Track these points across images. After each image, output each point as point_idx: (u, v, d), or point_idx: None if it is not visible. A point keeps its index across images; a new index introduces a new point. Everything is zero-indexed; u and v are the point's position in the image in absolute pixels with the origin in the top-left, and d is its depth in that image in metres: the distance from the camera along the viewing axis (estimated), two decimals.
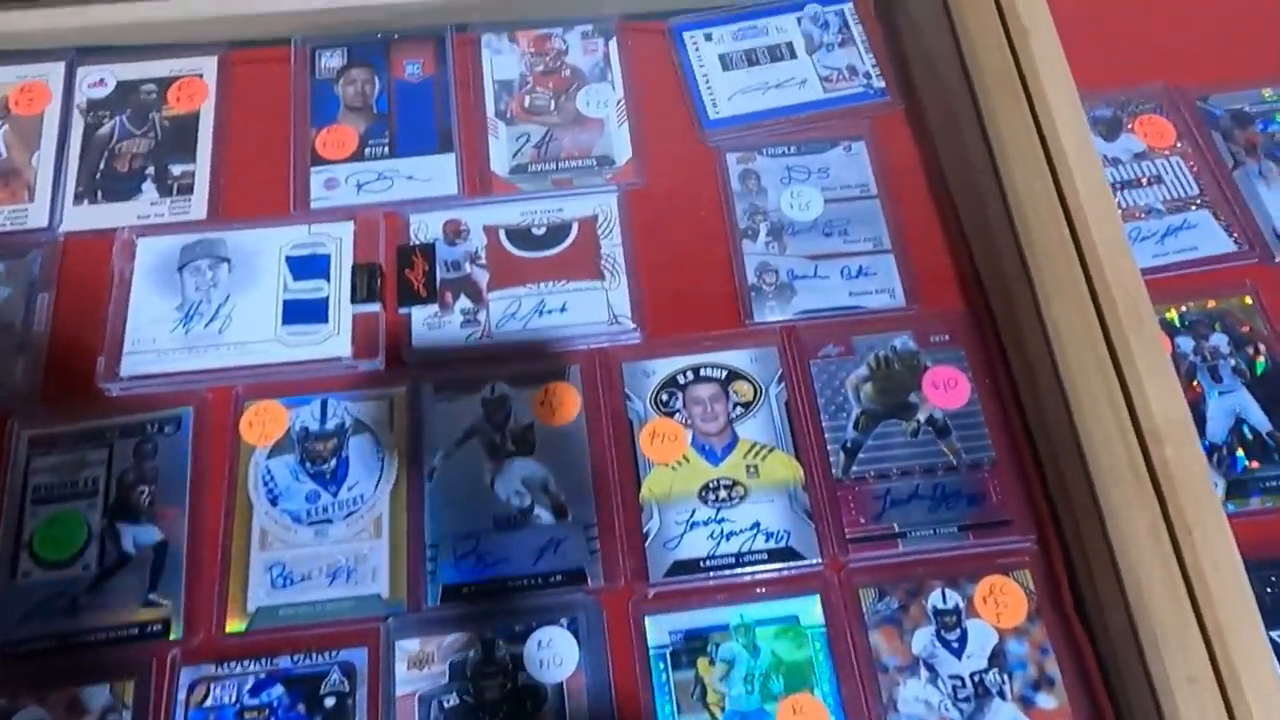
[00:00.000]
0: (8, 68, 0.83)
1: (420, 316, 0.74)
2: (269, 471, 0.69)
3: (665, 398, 0.71)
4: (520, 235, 0.77)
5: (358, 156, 0.80)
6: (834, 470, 0.69)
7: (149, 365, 0.71)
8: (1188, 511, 0.59)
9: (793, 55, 0.86)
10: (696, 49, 0.86)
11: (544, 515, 0.67)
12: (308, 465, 0.69)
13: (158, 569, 0.65)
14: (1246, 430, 0.71)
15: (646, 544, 0.67)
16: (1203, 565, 0.58)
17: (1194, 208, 0.79)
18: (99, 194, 0.79)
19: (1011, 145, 0.70)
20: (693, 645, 0.64)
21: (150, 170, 0.79)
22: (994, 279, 0.74)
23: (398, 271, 0.75)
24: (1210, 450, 0.70)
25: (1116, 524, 0.59)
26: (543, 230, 0.78)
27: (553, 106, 0.83)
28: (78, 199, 0.78)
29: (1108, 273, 0.65)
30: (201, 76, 0.84)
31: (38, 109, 0.82)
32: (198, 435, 0.70)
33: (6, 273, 0.75)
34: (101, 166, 0.80)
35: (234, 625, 0.64)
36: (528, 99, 0.84)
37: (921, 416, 0.71)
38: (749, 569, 0.66)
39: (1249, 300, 0.75)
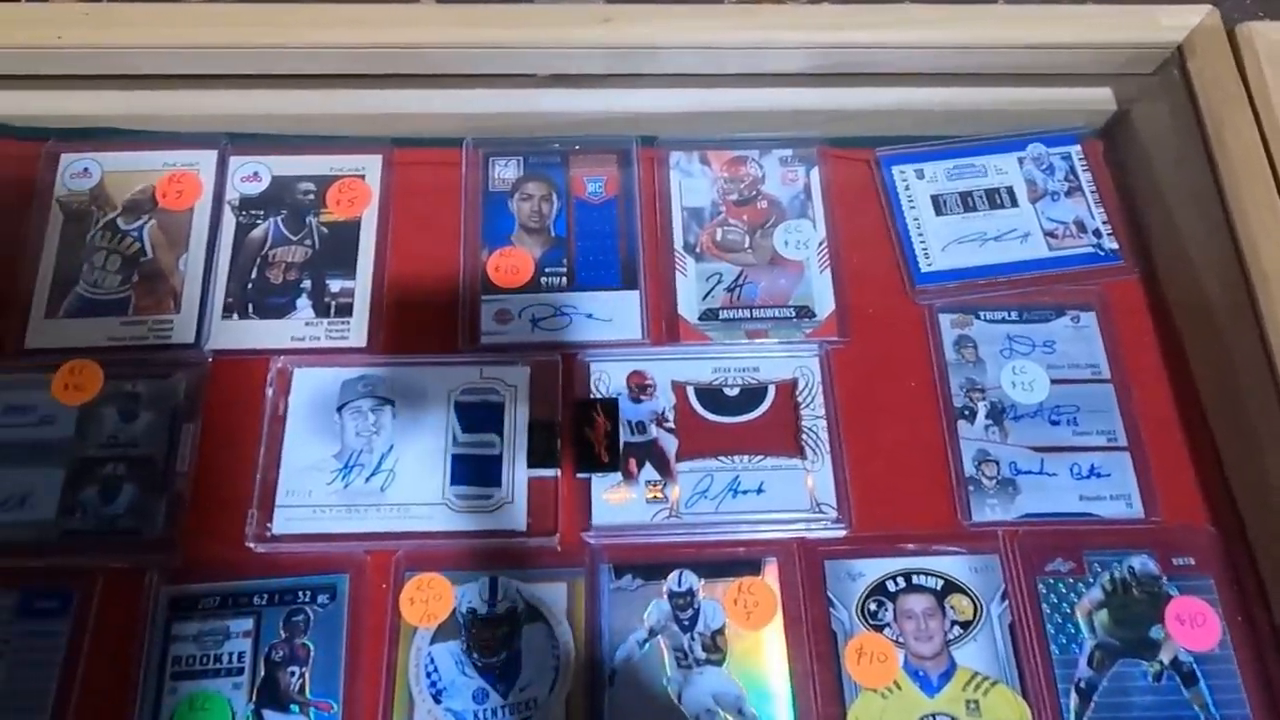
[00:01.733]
0: (155, 153, 0.76)
1: (600, 486, 0.66)
2: (432, 660, 0.61)
3: (873, 607, 0.64)
4: (710, 395, 0.70)
5: (533, 286, 0.73)
6: (1066, 717, 0.61)
7: (303, 523, 0.64)
8: None
9: (1013, 202, 0.77)
10: (906, 186, 0.78)
11: None
12: (475, 656, 0.62)
13: None
14: None
15: None
16: None
17: None
18: (250, 308, 0.72)
19: None
20: None
21: (306, 284, 0.72)
22: (1250, 495, 0.65)
23: (575, 429, 0.68)
24: None
25: None
26: (735, 391, 0.70)
27: (747, 243, 0.75)
28: (227, 311, 0.71)
29: None
30: (364, 177, 0.76)
31: (187, 203, 0.74)
32: (354, 608, 0.63)
33: (149, 397, 0.68)
34: (254, 275, 0.73)
35: None
36: (720, 232, 0.76)
37: (1165, 657, 0.63)
38: None
39: None
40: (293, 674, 0.61)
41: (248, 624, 0.62)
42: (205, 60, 0.72)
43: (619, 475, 0.67)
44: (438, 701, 0.60)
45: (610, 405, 0.69)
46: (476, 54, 0.72)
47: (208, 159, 0.76)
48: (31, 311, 0.70)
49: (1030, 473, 0.68)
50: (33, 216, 0.74)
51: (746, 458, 0.68)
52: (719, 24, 0.70)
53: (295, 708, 0.60)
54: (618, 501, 0.66)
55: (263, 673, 0.61)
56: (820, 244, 0.75)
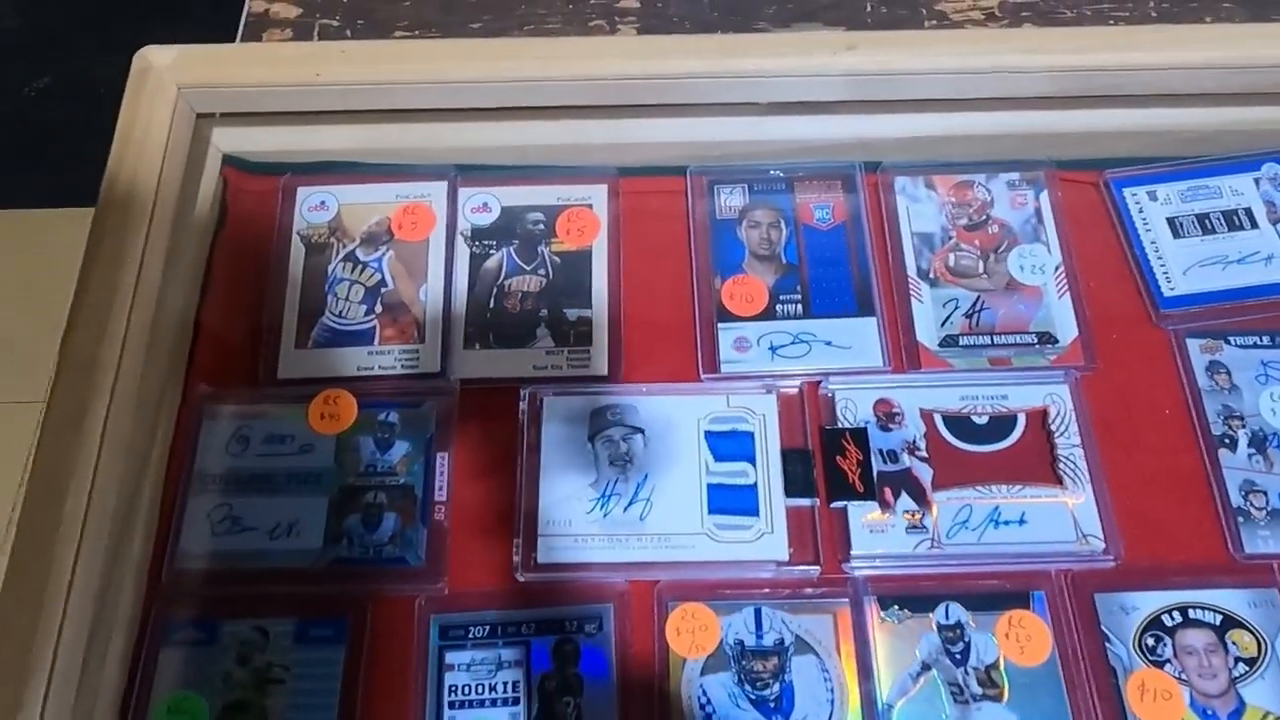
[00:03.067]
0: (387, 185, 0.78)
1: (857, 515, 0.66)
2: (705, 692, 0.61)
3: (1151, 642, 0.62)
4: (959, 424, 0.69)
5: (769, 314, 0.73)
6: None
7: (566, 552, 0.64)
8: None
9: (1253, 224, 0.75)
10: (1140, 209, 0.76)
11: None
12: (748, 689, 0.61)
13: None
14: None
15: None
16: None
17: None
18: (491, 337, 0.72)
19: None
20: None
21: (544, 313, 0.73)
22: None
23: (826, 458, 0.67)
24: None
25: None
26: (984, 420, 0.69)
27: (981, 268, 0.74)
28: (468, 341, 0.72)
29: None
30: (591, 206, 0.77)
31: (422, 234, 0.76)
32: (620, 638, 0.63)
33: (402, 425, 0.69)
34: (491, 305, 0.73)
35: None
36: (952, 257, 0.75)
37: None
38: None
39: None
40: (567, 704, 0.61)
41: (518, 654, 0.62)
42: (440, 95, 0.74)
43: (875, 504, 0.66)
44: None
45: (860, 434, 0.68)
46: (710, 83, 0.72)
47: (438, 190, 0.77)
48: (282, 342, 0.72)
49: None
50: (274, 249, 0.75)
51: (1005, 487, 0.66)
52: (965, 49, 0.70)
53: None
54: (877, 532, 0.65)
55: (537, 703, 0.61)
56: (1057, 268, 0.74)
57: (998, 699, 0.61)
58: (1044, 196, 0.77)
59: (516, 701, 0.61)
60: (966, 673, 0.61)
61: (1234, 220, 0.75)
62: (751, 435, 0.68)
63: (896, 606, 0.63)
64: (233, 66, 0.70)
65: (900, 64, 0.69)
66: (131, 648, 0.62)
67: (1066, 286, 0.73)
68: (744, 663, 0.62)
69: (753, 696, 0.61)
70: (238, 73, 0.70)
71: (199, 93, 0.71)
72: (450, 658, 0.62)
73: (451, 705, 0.61)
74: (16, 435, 1.47)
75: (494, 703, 0.61)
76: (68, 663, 0.55)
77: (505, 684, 0.61)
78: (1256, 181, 0.77)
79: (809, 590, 0.64)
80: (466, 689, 0.61)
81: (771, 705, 0.61)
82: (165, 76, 0.70)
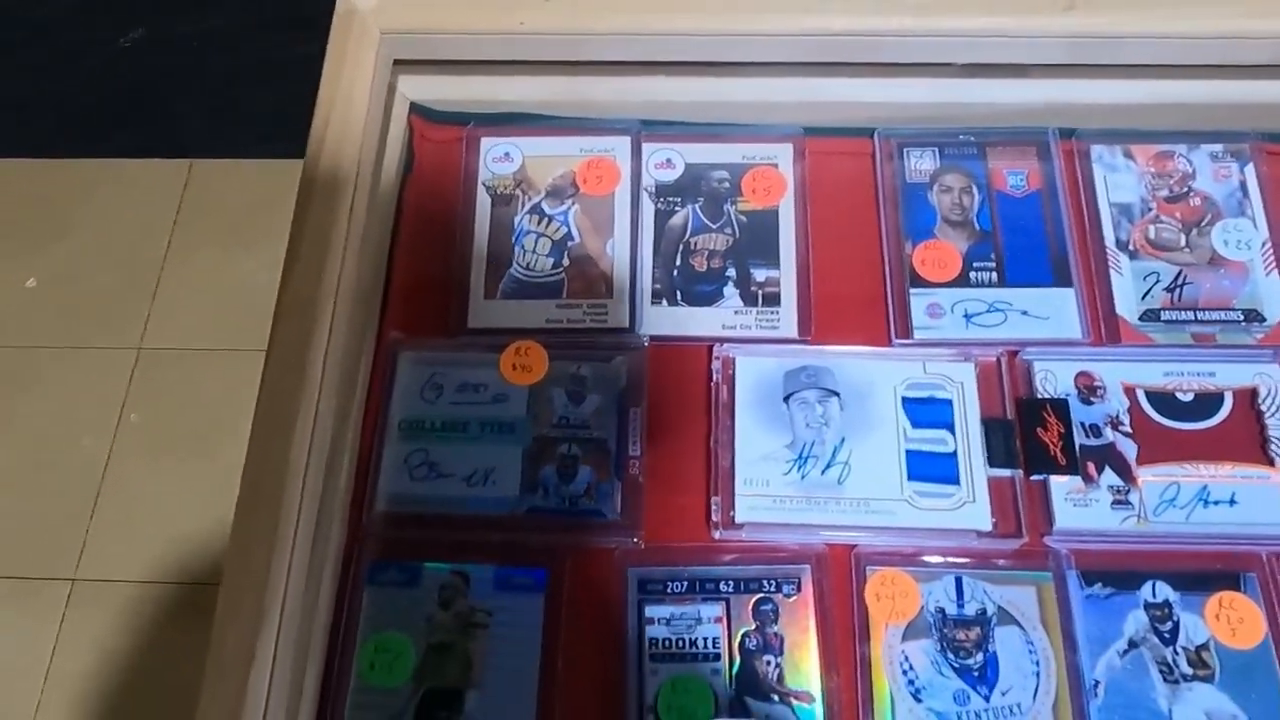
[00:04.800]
0: (571, 138, 0.77)
1: (1060, 489, 0.65)
2: (906, 658, 0.61)
3: None
4: (1163, 400, 0.67)
5: (962, 281, 0.71)
6: None
7: (765, 512, 0.64)
8: None
9: None
10: None
11: None
12: (950, 657, 0.61)
13: None
14: None
15: None
16: None
17: None
18: (678, 295, 0.72)
19: None
20: None
21: (731, 272, 0.72)
22: None
23: (1024, 430, 0.66)
24: None
25: None
26: (1189, 397, 0.67)
27: (1183, 242, 0.72)
28: (655, 298, 0.72)
29: None
30: (777, 166, 0.76)
31: (607, 189, 0.75)
32: (819, 600, 0.62)
33: (594, 380, 0.69)
34: (678, 263, 0.73)
35: None
36: (1152, 229, 0.73)
37: None
38: None
39: None
40: (769, 663, 0.61)
41: (717, 610, 0.62)
42: (634, 47, 0.73)
43: (1078, 478, 0.65)
44: (918, 700, 0.60)
45: (1061, 406, 0.67)
46: (911, 42, 0.71)
47: (622, 145, 0.77)
48: (471, 292, 0.72)
49: None
50: (460, 199, 0.75)
51: (1213, 466, 0.65)
52: (1191, 11, 0.67)
53: (775, 697, 0.60)
54: (1080, 506, 0.64)
55: (739, 660, 0.61)
56: (1264, 244, 0.72)
57: (1209, 679, 0.60)
58: (1249, 170, 0.74)
59: (717, 658, 0.61)
60: (1176, 652, 0.60)
61: None
62: (950, 403, 0.67)
63: (1100, 583, 0.62)
64: (437, 12, 0.70)
65: (1121, 27, 0.67)
66: (336, 586, 0.64)
67: (1275, 263, 0.71)
68: (946, 631, 0.61)
69: (956, 665, 0.60)
70: (442, 19, 0.70)
71: (398, 39, 0.71)
72: (649, 611, 0.62)
73: (653, 658, 0.61)
74: (113, 378, 1.50)
75: (695, 658, 0.61)
76: (293, 601, 0.56)
77: (705, 639, 0.61)
78: None
79: (1006, 562, 0.63)
80: (667, 643, 0.61)
81: (975, 674, 0.60)
82: (369, 21, 0.70)
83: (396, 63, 0.74)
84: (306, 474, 0.58)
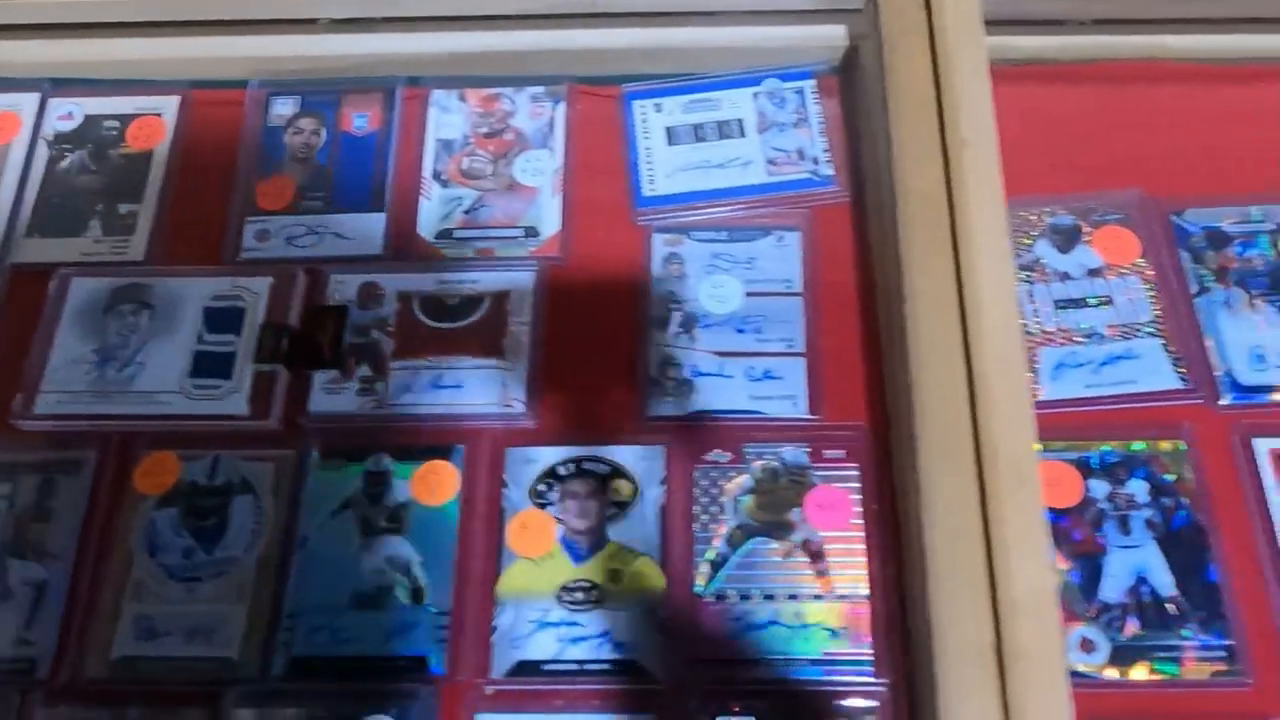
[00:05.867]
0: None
1: (321, 380, 0.75)
2: (153, 523, 0.71)
3: (543, 489, 0.71)
4: (433, 305, 0.78)
5: (293, 209, 0.82)
6: (696, 585, 0.67)
7: (62, 405, 0.75)
8: (1028, 697, 0.55)
9: (742, 133, 0.83)
10: (644, 119, 0.84)
11: (402, 597, 0.68)
12: (189, 520, 0.71)
13: (36, 608, 0.69)
14: (1145, 592, 0.66)
15: (493, 638, 0.67)
16: None
17: (1143, 335, 0.74)
18: (50, 228, 0.82)
19: (921, 270, 0.66)
20: None
21: (100, 207, 0.83)
22: (895, 398, 0.71)
23: (307, 331, 0.76)
24: (1101, 610, 0.66)
25: (949, 704, 0.56)
26: (456, 301, 0.78)
27: (490, 171, 0.83)
28: (29, 232, 0.82)
29: (996, 424, 0.61)
30: (161, 115, 0.86)
31: (5, 139, 0.85)
32: (97, 480, 0.73)
33: None
34: (56, 201, 0.83)
35: (95, 672, 0.67)
36: (466, 161, 0.83)
37: (798, 538, 0.69)
38: (589, 679, 0.65)
39: (1181, 445, 0.70)
40: (37, 530, 0.71)
41: (6, 489, 0.72)
42: (30, 10, 0.83)
43: (338, 371, 0.75)
44: (152, 556, 0.70)
45: (341, 311, 0.77)
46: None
47: (30, 101, 0.87)
48: None
49: (709, 374, 0.74)
50: None
51: (453, 359, 0.75)
52: None
53: (32, 555, 0.70)
54: (334, 394, 0.75)
55: (12, 529, 0.71)
56: (556, 171, 0.82)
57: (399, 532, 0.70)
58: (560, 108, 0.85)
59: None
60: (379, 510, 0.71)
61: (726, 130, 0.83)
62: (244, 311, 0.77)
63: (336, 458, 0.73)
64: None
65: None
66: None
67: (560, 188, 0.82)
68: (192, 500, 0.72)
69: (191, 527, 0.71)
70: None
71: None
72: None
73: None
74: None
75: None
76: None
77: None
78: (755, 95, 0.84)
79: (261, 442, 0.73)
80: None
81: (205, 535, 0.71)
82: None
83: None
84: None
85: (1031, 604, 0.57)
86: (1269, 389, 0.72)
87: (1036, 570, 0.58)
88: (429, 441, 0.73)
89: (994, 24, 0.76)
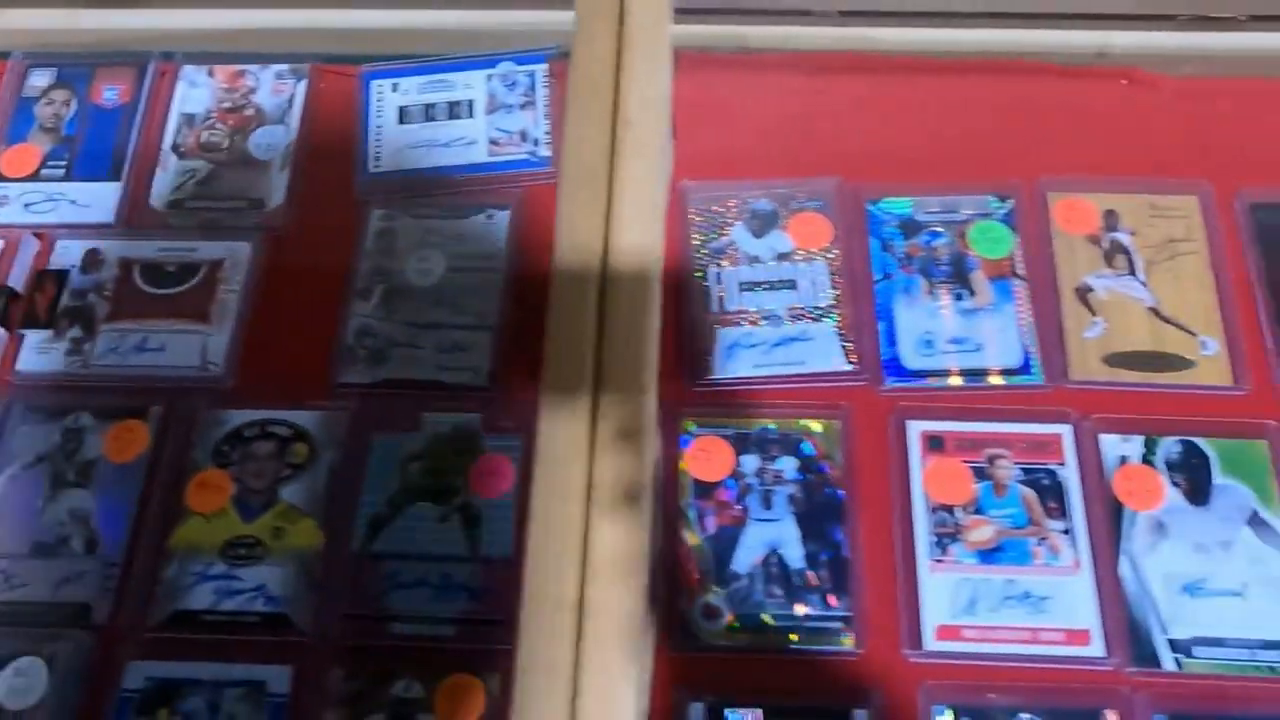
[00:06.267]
0: None
1: (34, 340, 0.78)
2: None
3: (227, 449, 0.74)
4: (152, 271, 0.81)
5: (34, 176, 0.85)
6: (353, 544, 0.70)
7: None
8: (595, 659, 0.58)
9: (471, 114, 0.85)
10: (380, 98, 0.87)
11: (77, 547, 0.71)
12: None
13: None
14: (775, 563, 0.69)
15: (158, 590, 0.70)
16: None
17: (819, 319, 0.76)
18: None
19: (570, 244, 0.68)
20: (162, 694, 0.67)
21: None
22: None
23: (30, 295, 0.80)
24: (732, 578, 0.69)
25: (528, 653, 0.59)
26: (174, 268, 0.81)
27: (226, 144, 0.86)
28: None
29: (612, 391, 0.64)
30: None
31: None
32: None
33: None
34: None
35: None
36: (205, 134, 0.86)
37: (457, 503, 0.71)
38: (239, 630, 0.68)
39: (836, 425, 0.73)
40: None
41: None
42: None
43: (51, 332, 0.78)
44: None
45: (61, 275, 0.80)
46: None
47: None
48: None
49: (402, 345, 0.77)
50: None
51: (162, 323, 0.78)
52: None
53: None
54: (44, 354, 0.78)
55: None
56: (288, 146, 0.85)
57: (86, 486, 0.73)
58: (302, 86, 0.88)
59: None
60: (70, 465, 0.74)
61: (456, 111, 0.86)
62: None
63: (39, 413, 0.76)
64: None
65: None
66: None
67: (289, 162, 0.84)
68: None
69: None
70: None
71: None
72: None
73: None
74: None
75: None
76: None
77: None
78: (489, 78, 0.87)
79: None
80: None
81: None
82: None
83: None
84: None
85: (612, 566, 0.60)
86: (929, 373, 0.74)
87: (623, 533, 0.61)
88: (127, 401, 0.76)
89: (714, 12, 0.79)
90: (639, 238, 0.68)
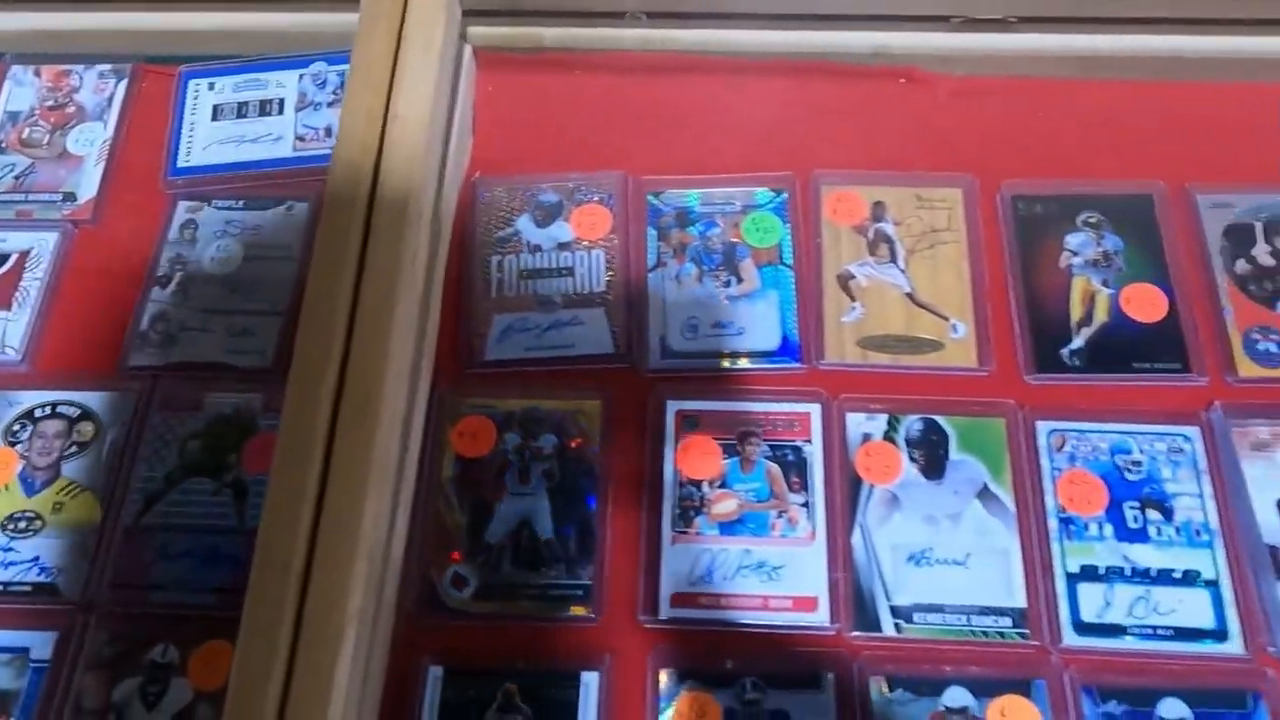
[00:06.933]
0: None
1: None
2: None
3: (17, 429, 0.77)
4: None
5: None
6: (127, 517, 0.74)
7: None
8: (315, 621, 0.61)
9: (280, 111, 0.89)
10: (196, 96, 0.90)
11: None
12: None
13: None
14: (525, 535, 0.72)
15: None
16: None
17: (590, 305, 0.79)
18: None
19: (329, 232, 0.72)
20: None
21: None
22: None
23: None
24: (484, 550, 0.72)
25: (251, 619, 0.62)
26: None
27: (46, 140, 0.89)
28: None
29: (357, 375, 0.67)
30: None
31: None
32: None
33: None
34: None
35: None
36: (27, 130, 0.90)
37: (229, 478, 0.75)
38: (9, 599, 0.71)
39: (597, 405, 0.76)
40: None
41: None
42: None
43: None
44: None
45: None
46: None
47: None
48: None
49: (194, 329, 0.80)
50: None
51: None
52: None
53: None
54: None
55: None
56: (104, 142, 0.89)
57: None
58: (123, 85, 0.91)
59: None
60: None
61: (267, 108, 0.89)
62: None
63: None
64: None
65: None
66: None
67: (104, 158, 0.88)
68: None
69: None
70: None
71: None
72: None
73: None
74: None
75: None
76: None
77: None
78: (301, 77, 0.91)
79: None
80: None
81: None
82: None
83: None
84: None
85: (334, 533, 0.63)
86: (692, 355, 0.77)
87: (349, 503, 0.64)
88: None
89: (515, 15, 0.84)
90: (397, 227, 0.72)
